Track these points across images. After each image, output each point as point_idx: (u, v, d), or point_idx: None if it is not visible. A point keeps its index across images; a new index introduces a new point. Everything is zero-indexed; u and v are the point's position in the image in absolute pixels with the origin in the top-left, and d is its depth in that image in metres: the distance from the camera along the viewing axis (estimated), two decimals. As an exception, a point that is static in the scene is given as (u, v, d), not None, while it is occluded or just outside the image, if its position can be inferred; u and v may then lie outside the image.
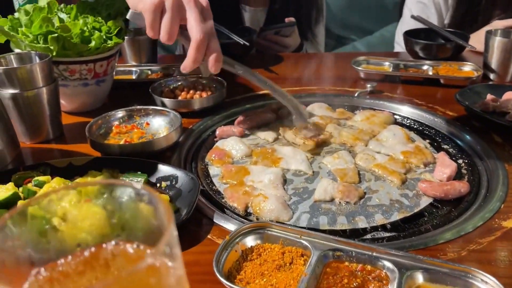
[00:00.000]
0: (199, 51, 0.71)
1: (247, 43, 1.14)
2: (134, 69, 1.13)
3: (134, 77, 1.12)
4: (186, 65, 0.73)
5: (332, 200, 0.65)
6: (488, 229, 0.57)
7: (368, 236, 0.58)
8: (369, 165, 0.72)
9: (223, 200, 0.66)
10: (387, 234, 0.58)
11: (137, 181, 0.63)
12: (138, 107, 0.85)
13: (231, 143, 0.79)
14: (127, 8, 0.79)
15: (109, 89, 0.97)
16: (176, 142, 0.78)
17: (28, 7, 0.85)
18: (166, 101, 0.90)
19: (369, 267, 0.49)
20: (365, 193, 0.66)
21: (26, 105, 0.78)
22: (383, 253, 0.49)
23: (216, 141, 0.83)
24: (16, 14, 0.85)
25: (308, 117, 0.88)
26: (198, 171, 0.74)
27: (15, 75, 0.76)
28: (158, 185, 0.65)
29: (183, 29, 0.74)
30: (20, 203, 0.58)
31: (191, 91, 0.97)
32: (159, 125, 0.83)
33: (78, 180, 0.64)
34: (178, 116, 0.81)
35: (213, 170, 0.74)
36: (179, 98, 0.94)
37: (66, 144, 0.83)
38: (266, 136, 0.83)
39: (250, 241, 0.53)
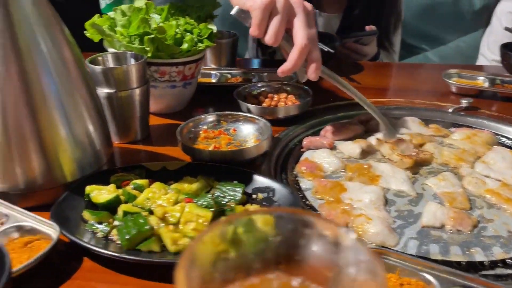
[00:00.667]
0: (301, 57, 0.70)
1: (332, 50, 1.10)
2: (214, 72, 1.12)
3: (213, 80, 1.11)
4: (285, 69, 0.71)
5: (442, 226, 0.59)
6: None
7: (490, 272, 0.52)
8: (479, 190, 0.66)
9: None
10: (509, 271, 0.52)
11: (235, 191, 0.61)
12: (228, 112, 0.83)
13: (322, 156, 0.76)
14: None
15: (194, 92, 0.96)
16: (265, 151, 0.75)
17: (125, 7, 0.85)
18: (252, 107, 0.88)
19: (505, 311, 0.43)
20: (478, 221, 0.60)
21: (119, 105, 0.78)
22: (522, 297, 0.43)
23: (303, 152, 0.80)
24: (111, 14, 0.86)
25: (398, 132, 0.83)
26: (289, 182, 0.71)
27: (112, 75, 0.76)
28: (254, 196, 0.63)
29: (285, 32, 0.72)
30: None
31: (275, 98, 0.94)
32: (247, 133, 0.81)
33: (175, 185, 0.62)
34: (268, 125, 0.78)
35: (304, 183, 0.71)
36: (264, 104, 0.92)
37: (152, 145, 0.83)
38: (355, 149, 0.78)
39: (363, 267, 0.49)
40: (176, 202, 0.57)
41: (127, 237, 0.51)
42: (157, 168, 0.68)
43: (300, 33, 0.69)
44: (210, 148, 0.75)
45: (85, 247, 0.52)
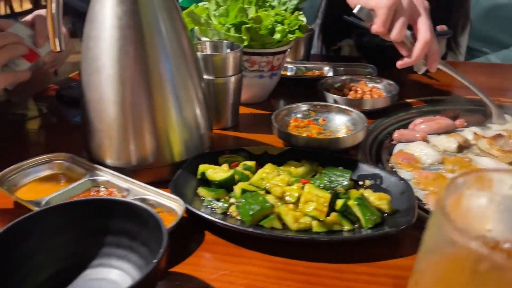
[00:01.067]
0: (424, 51, 0.77)
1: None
2: (290, 66, 1.14)
3: (289, 73, 1.12)
4: (408, 62, 0.80)
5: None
6: None
7: None
8: None
9: (425, 206, 0.62)
10: None
11: (343, 176, 0.61)
12: (320, 103, 0.84)
13: (419, 148, 0.75)
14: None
15: (277, 81, 0.97)
16: (359, 142, 0.76)
17: (219, -3, 0.88)
18: (338, 98, 0.89)
19: None
20: None
21: (215, 92, 0.81)
22: None
23: (394, 144, 0.80)
24: (205, 4, 0.89)
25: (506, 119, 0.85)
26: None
27: (211, 61, 0.78)
28: (361, 183, 0.63)
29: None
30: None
31: (359, 91, 0.94)
32: (338, 123, 0.81)
33: (283, 168, 0.63)
34: (362, 116, 0.78)
35: (403, 174, 0.70)
36: (349, 97, 0.92)
37: (241, 133, 0.85)
38: (451, 143, 0.77)
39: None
40: (289, 184, 0.58)
41: (251, 213, 0.53)
42: (259, 152, 0.69)
43: (424, 29, 0.76)
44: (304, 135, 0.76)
45: (212, 221, 0.53)
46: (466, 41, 1.58)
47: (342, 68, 1.11)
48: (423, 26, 0.78)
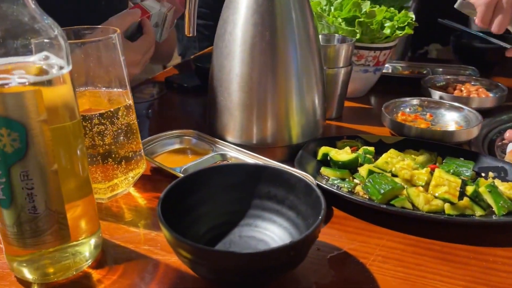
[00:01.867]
0: None
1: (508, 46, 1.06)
2: (386, 65, 1.14)
3: (385, 71, 1.13)
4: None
5: None
6: None
7: None
8: None
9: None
10: None
11: (465, 167, 0.62)
12: (430, 99, 0.84)
13: (536, 147, 0.74)
14: None
15: (378, 78, 0.98)
16: (470, 139, 0.75)
17: (329, -7, 0.91)
18: (445, 95, 0.88)
19: None
20: None
21: (326, 83, 0.83)
22: None
23: (505, 144, 0.79)
24: (316, -1, 0.92)
25: None
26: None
27: (325, 52, 0.81)
28: (483, 174, 0.63)
29: None
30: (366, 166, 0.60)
31: (464, 90, 0.94)
32: (447, 119, 0.81)
33: (403, 155, 0.65)
34: (476, 113, 0.78)
35: (521, 171, 0.69)
36: (454, 94, 0.92)
37: (346, 123, 0.87)
38: None
39: None
40: (414, 169, 0.59)
41: (382, 191, 0.55)
42: (374, 140, 0.71)
43: None
44: (414, 129, 0.77)
45: (345, 197, 0.56)
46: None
47: (441, 69, 1.10)
48: None
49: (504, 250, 0.50)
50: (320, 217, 0.41)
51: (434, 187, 0.55)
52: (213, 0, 1.51)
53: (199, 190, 0.48)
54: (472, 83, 0.96)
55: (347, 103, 0.95)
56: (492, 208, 0.54)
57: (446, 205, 0.53)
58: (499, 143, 0.80)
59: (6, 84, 0.36)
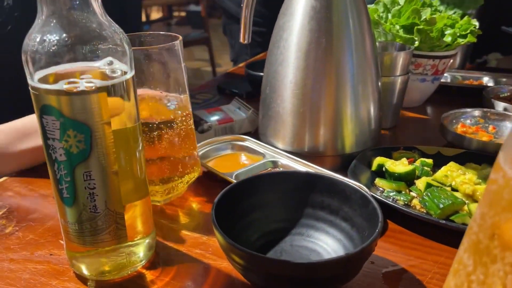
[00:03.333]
0: None
1: None
2: (445, 74, 1.10)
3: (443, 80, 1.08)
4: None
5: None
6: None
7: None
8: None
9: None
10: None
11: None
12: (493, 110, 0.80)
13: None
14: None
15: (436, 87, 0.95)
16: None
17: (387, 1, 0.88)
18: (510, 107, 0.83)
19: None
20: None
21: (381, 91, 0.81)
22: None
23: None
24: (373, 5, 0.90)
25: None
26: None
27: (381, 60, 0.79)
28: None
29: None
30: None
31: (530, 102, 0.88)
32: (507, 131, 0.77)
33: (464, 169, 0.61)
34: (545, 125, 0.73)
35: None
36: (519, 107, 0.86)
37: (400, 133, 0.84)
38: None
39: None
40: (476, 184, 0.56)
41: (441, 206, 0.52)
42: (432, 152, 0.68)
43: None
44: (477, 141, 0.73)
45: (402, 210, 0.54)
46: None
47: (504, 79, 1.04)
48: None
49: None
50: (377, 230, 0.39)
51: (499, 204, 0.52)
52: (266, 8, 1.52)
53: (252, 196, 0.48)
54: (540, 95, 0.90)
55: (402, 113, 0.92)
56: None
57: None
58: None
59: (75, 87, 0.38)
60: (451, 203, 0.52)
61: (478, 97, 0.91)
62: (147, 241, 0.47)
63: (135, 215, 0.45)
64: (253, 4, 0.71)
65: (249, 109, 0.83)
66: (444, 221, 0.51)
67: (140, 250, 0.46)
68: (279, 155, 0.68)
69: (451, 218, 0.52)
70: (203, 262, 0.48)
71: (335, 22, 0.64)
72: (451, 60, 0.90)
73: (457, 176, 0.58)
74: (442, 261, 0.48)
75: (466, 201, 0.54)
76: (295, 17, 0.65)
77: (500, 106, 0.85)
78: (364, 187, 0.56)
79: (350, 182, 0.47)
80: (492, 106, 0.86)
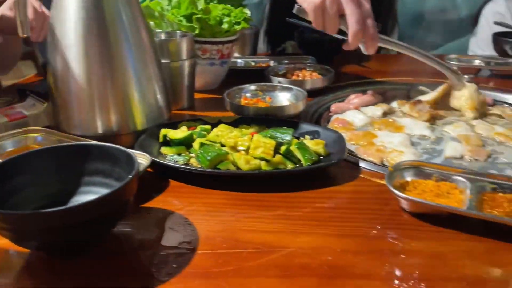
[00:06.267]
0: (356, 39, 0.82)
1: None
2: (239, 60, 1.24)
3: (238, 65, 1.23)
4: (347, 47, 0.85)
5: (461, 157, 0.71)
6: None
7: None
8: (489, 133, 0.78)
9: (359, 156, 0.74)
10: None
11: (286, 133, 0.71)
12: (267, 83, 0.95)
13: (351, 114, 0.87)
14: None
15: (227, 70, 1.07)
16: (300, 112, 0.86)
17: (170, -6, 0.97)
18: (282, 80, 1.00)
19: (524, 198, 0.55)
20: (491, 153, 0.72)
21: (172, 75, 0.89)
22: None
23: (331, 115, 0.92)
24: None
25: (463, 81, 0.93)
26: (325, 136, 0.82)
27: (167, 47, 0.87)
28: (301, 138, 0.74)
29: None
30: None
31: (300, 75, 1.06)
32: (282, 99, 0.92)
33: (235, 129, 0.73)
34: (302, 91, 0.89)
35: (340, 135, 0.82)
36: (292, 79, 1.04)
37: (196, 111, 0.94)
38: (378, 110, 0.90)
39: (406, 176, 0.60)
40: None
41: (209, 158, 0.62)
42: (214, 120, 0.78)
43: (351, 20, 0.80)
44: (253, 108, 0.86)
45: (175, 167, 0.62)
46: (396, 39, 1.77)
47: (286, 61, 1.23)
48: (350, 17, 0.81)
49: (307, 192, 0.59)
50: (130, 176, 0.46)
51: (253, 150, 0.64)
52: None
53: (20, 174, 0.50)
54: (308, 69, 1.10)
55: (200, 95, 1.02)
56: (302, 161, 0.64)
57: (263, 163, 0.62)
58: (327, 116, 0.93)
59: None
60: (216, 154, 0.62)
61: (264, 77, 1.06)
62: None
63: None
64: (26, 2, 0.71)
65: (44, 103, 0.83)
66: (210, 170, 0.61)
67: None
68: (75, 141, 0.70)
69: (217, 166, 0.62)
70: (-21, 243, 0.48)
71: (107, 18, 0.69)
72: (234, 45, 1.03)
73: (226, 135, 0.68)
74: (209, 202, 0.58)
75: (231, 152, 0.65)
76: (67, 9, 0.69)
77: (275, 80, 1.01)
78: (146, 154, 0.63)
79: (117, 146, 0.53)
80: (271, 81, 1.01)
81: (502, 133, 0.77)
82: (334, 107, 0.94)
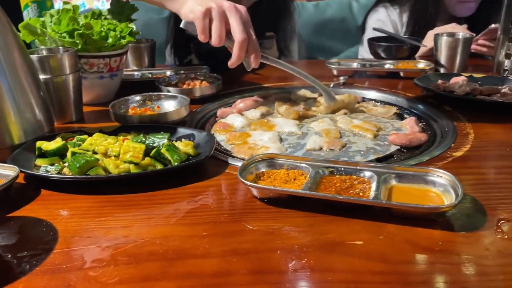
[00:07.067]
0: (242, 50, 0.84)
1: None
2: (136, 73, 1.28)
3: (136, 78, 1.26)
4: (232, 62, 0.86)
5: (320, 149, 0.80)
6: (442, 157, 0.73)
7: (352, 167, 0.73)
8: (348, 126, 0.89)
9: (232, 154, 0.80)
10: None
11: (162, 138, 0.76)
12: (152, 93, 0.99)
13: (232, 117, 0.95)
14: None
15: (119, 83, 1.10)
16: (185, 117, 0.92)
17: (53, 11, 0.99)
18: (172, 89, 1.05)
19: (354, 177, 0.64)
20: (346, 143, 0.82)
21: (56, 89, 0.91)
22: (364, 166, 0.64)
23: (217, 120, 0.98)
24: (42, 18, 1.00)
25: (334, 96, 0.99)
26: (206, 139, 0.88)
27: (48, 62, 0.89)
28: (179, 142, 0.79)
29: (227, 33, 0.86)
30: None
31: (191, 84, 1.12)
32: (169, 107, 0.97)
33: (112, 137, 0.77)
34: (186, 98, 0.95)
35: (220, 137, 0.89)
36: (183, 87, 1.09)
37: (85, 124, 0.96)
38: (257, 113, 0.98)
39: (261, 168, 0.67)
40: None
41: (78, 165, 0.65)
42: (94, 131, 0.81)
43: (237, 31, 0.83)
44: (139, 118, 0.90)
45: (43, 176, 0.65)
46: (296, 48, 1.89)
47: (182, 72, 1.29)
48: (236, 28, 0.83)
49: (172, 190, 0.65)
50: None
51: (123, 154, 0.68)
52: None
53: None
54: (199, 78, 1.16)
55: (91, 108, 1.05)
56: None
57: (131, 166, 0.67)
58: (213, 121, 0.99)
59: None
60: (85, 161, 0.66)
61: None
62: None
63: None
64: None
65: None
66: (78, 176, 0.64)
67: None
68: None
69: (88, 172, 0.66)
70: None
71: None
72: (123, 58, 1.07)
73: (100, 143, 0.72)
74: (77, 206, 0.61)
75: (101, 158, 0.68)
76: None
77: (164, 90, 1.06)
78: (15, 167, 0.65)
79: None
80: (161, 91, 1.06)
81: (358, 125, 0.88)
82: (219, 112, 1.00)
